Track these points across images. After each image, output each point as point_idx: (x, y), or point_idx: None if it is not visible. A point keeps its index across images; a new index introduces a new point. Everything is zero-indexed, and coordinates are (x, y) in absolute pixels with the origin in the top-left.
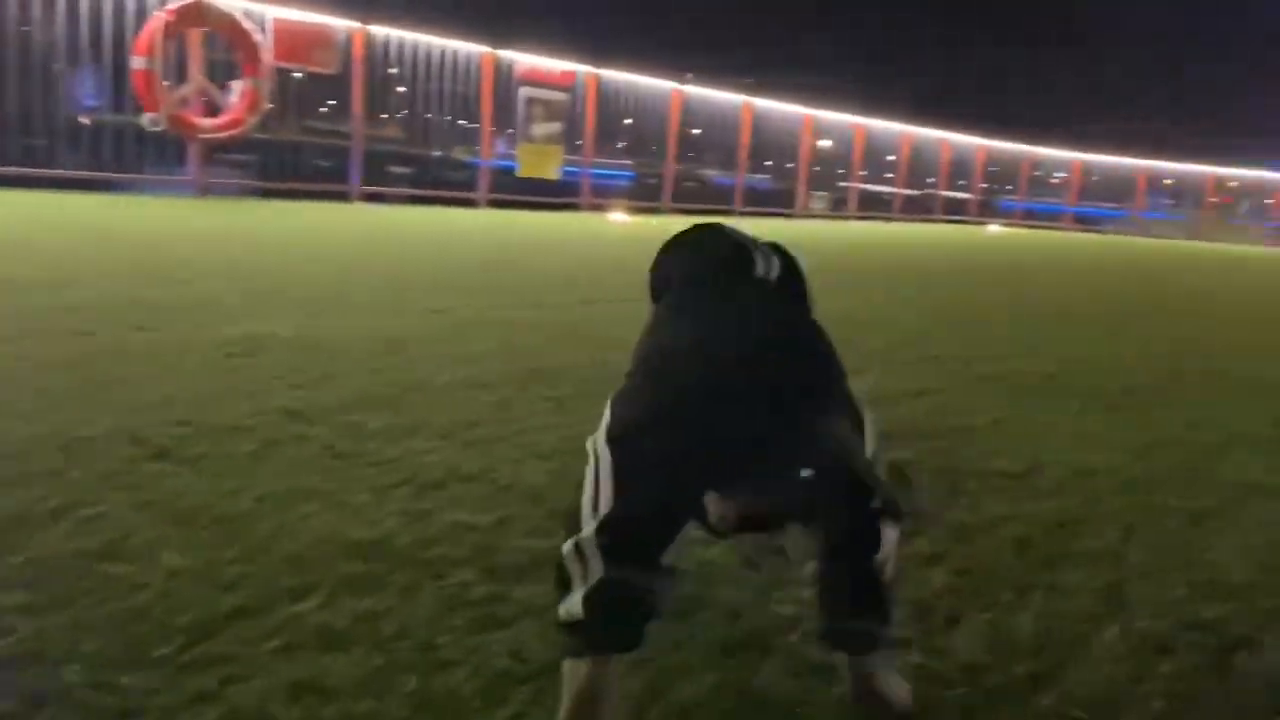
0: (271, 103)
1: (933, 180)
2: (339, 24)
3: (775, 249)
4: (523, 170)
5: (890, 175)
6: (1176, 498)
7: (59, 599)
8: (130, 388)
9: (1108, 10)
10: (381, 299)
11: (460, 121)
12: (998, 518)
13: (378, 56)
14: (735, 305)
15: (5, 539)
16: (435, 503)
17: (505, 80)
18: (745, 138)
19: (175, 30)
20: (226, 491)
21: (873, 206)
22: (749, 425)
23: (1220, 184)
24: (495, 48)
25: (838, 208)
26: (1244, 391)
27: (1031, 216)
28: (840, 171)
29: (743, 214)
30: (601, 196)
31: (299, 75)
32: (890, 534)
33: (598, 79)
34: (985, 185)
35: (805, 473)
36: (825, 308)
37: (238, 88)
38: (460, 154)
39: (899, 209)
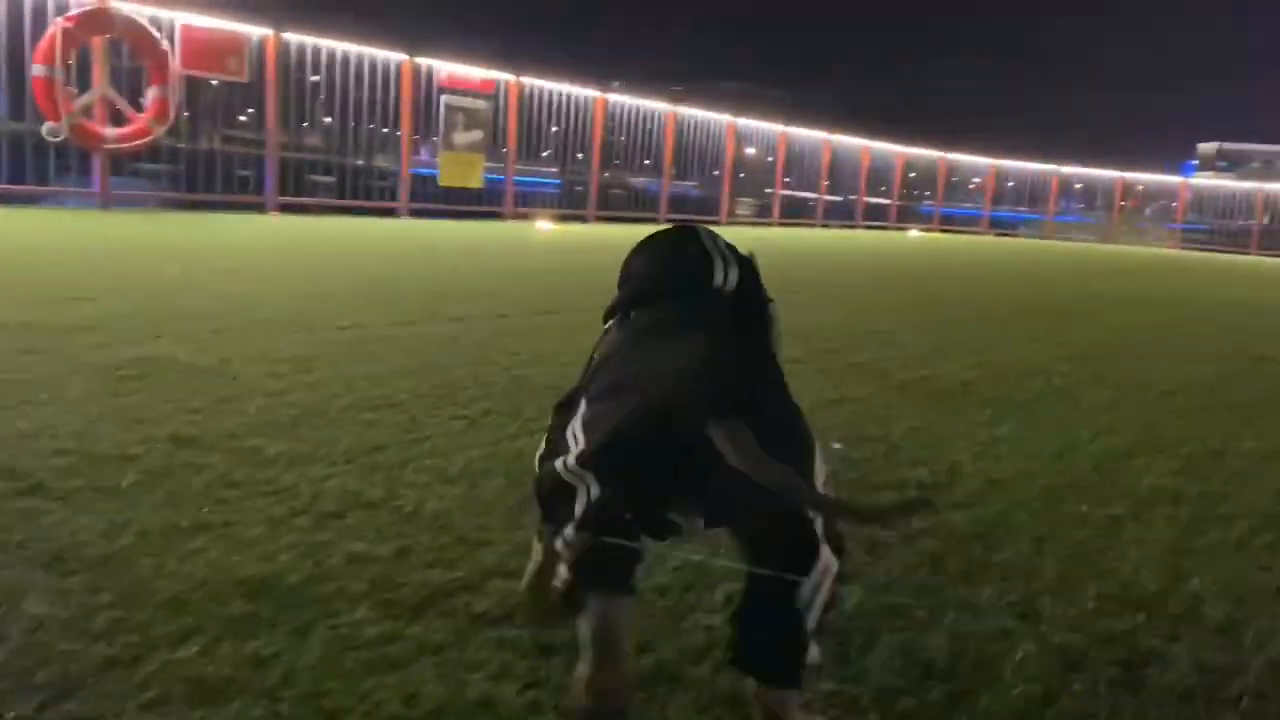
0: (184, 111)
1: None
2: (252, 31)
3: (736, 254)
4: (444, 179)
5: (812, 182)
6: (1088, 504)
7: None
8: (7, 416)
9: (1022, 26)
10: (290, 315)
11: (384, 129)
12: (914, 531)
13: (294, 64)
14: (687, 320)
15: None
16: (333, 533)
17: (426, 88)
18: (670, 145)
19: (78, 37)
20: (104, 528)
21: (797, 213)
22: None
23: (1128, 188)
24: (414, 55)
25: (763, 214)
26: (1155, 393)
27: (950, 221)
28: (765, 179)
29: (668, 220)
30: (526, 205)
31: (215, 83)
32: (827, 561)
33: (520, 86)
34: (904, 191)
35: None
36: None
37: (150, 96)
38: (382, 163)
39: (822, 215)
